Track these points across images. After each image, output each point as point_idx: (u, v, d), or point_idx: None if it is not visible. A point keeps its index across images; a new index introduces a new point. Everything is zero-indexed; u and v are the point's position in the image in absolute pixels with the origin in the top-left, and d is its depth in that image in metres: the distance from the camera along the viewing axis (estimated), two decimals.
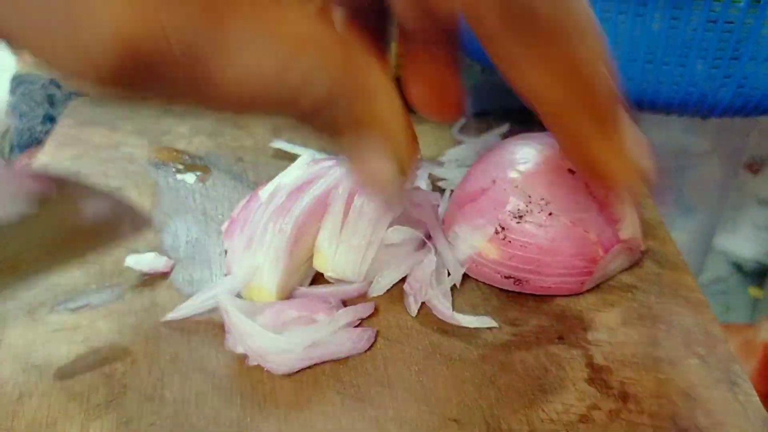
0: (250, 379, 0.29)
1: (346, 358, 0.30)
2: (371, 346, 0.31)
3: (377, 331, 0.32)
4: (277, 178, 0.35)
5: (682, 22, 0.36)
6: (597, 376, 0.30)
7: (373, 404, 0.28)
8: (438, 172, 0.42)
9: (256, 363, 0.29)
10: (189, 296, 0.32)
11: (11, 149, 0.50)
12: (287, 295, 0.32)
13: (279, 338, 0.29)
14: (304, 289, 0.33)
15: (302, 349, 0.29)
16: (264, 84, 0.22)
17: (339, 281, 0.33)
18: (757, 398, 0.30)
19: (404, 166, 0.25)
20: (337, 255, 0.33)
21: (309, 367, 0.30)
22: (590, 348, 0.31)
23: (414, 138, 0.26)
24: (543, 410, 0.29)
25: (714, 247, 0.77)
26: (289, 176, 0.35)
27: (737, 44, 0.36)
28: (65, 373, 0.29)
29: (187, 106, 0.24)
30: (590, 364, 0.31)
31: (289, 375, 0.29)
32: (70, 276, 0.33)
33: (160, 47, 0.20)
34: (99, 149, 0.44)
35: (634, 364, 0.31)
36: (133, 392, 0.28)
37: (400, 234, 0.33)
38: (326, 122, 0.23)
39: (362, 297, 0.33)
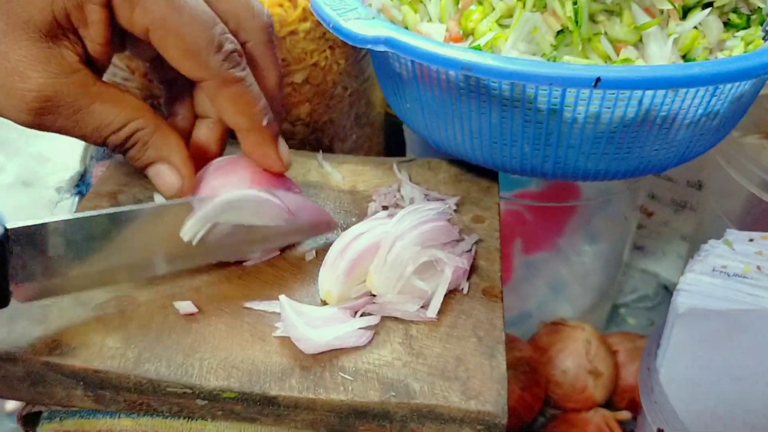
0: (204, 321, 0.50)
1: (350, 348, 0.48)
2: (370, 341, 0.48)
3: (376, 331, 0.50)
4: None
5: (508, 119, 0.55)
6: (407, 341, 0.49)
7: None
8: None
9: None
10: None
11: (90, 158, 0.73)
12: (345, 300, 0.51)
13: (314, 332, 0.48)
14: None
15: (326, 341, 0.48)
16: (105, 131, 0.52)
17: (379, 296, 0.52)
18: (504, 367, 0.48)
19: (184, 182, 0.55)
20: (379, 279, 0.50)
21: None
22: (411, 324, 0.51)
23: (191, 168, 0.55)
24: (365, 357, 0.48)
25: (646, 270, 0.94)
26: (356, 226, 0.54)
27: (547, 136, 0.55)
28: (98, 309, 0.50)
29: (71, 136, 0.52)
30: (406, 334, 0.50)
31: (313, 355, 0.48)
32: None
33: (59, 96, 0.50)
34: None
35: (434, 337, 0.50)
36: (134, 322, 0.50)
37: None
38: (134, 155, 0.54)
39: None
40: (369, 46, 0.54)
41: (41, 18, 0.48)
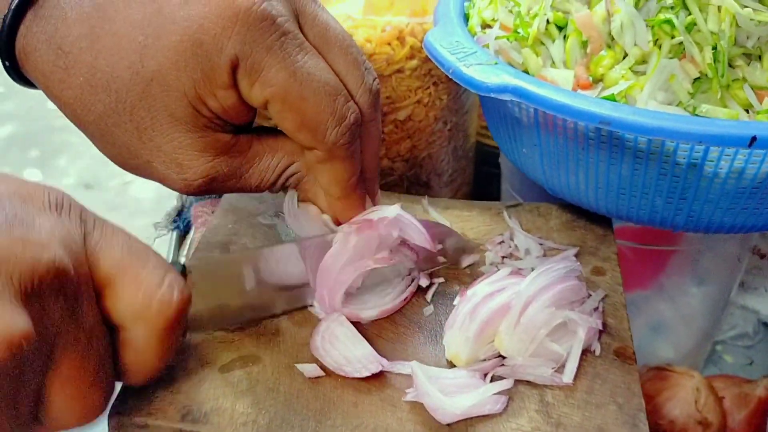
0: (330, 385, 0.49)
1: (485, 416, 0.46)
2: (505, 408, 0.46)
3: (509, 397, 0.48)
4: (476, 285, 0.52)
5: (641, 172, 0.52)
6: (544, 409, 0.47)
7: None
8: None
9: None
10: None
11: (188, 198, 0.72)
12: (473, 362, 0.49)
13: (448, 400, 0.46)
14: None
15: (461, 410, 0.46)
16: (265, 186, 0.53)
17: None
18: None
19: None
20: (511, 342, 0.48)
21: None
22: (545, 390, 0.49)
23: None
24: (503, 426, 0.46)
25: (747, 307, 0.90)
26: (483, 284, 0.52)
27: (683, 191, 0.52)
28: (224, 369, 0.49)
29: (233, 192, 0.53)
30: (541, 401, 0.48)
31: (449, 424, 0.46)
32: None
33: (220, 173, 0.50)
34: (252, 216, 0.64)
35: (571, 404, 0.48)
36: (261, 385, 0.48)
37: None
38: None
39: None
40: (493, 95, 0.52)
41: (183, 112, 0.47)
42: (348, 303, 0.53)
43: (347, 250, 0.51)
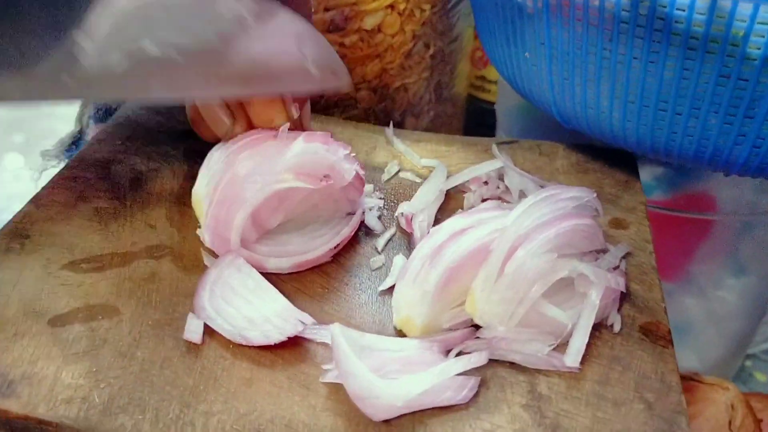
0: (213, 353, 0.32)
1: (443, 408, 0.31)
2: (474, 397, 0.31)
3: (480, 379, 0.32)
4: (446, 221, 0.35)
5: (694, 73, 0.36)
6: (535, 403, 0.31)
7: None
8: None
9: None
10: None
11: (88, 118, 0.56)
12: (433, 332, 0.33)
13: (385, 385, 0.30)
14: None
15: (404, 400, 0.30)
16: None
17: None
18: None
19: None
20: (488, 303, 0.33)
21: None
22: (538, 376, 0.32)
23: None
24: (470, 426, 0.30)
25: None
26: (453, 219, 0.35)
27: (752, 102, 0.36)
28: (57, 322, 0.33)
29: None
30: (532, 391, 0.32)
31: (385, 421, 0.30)
32: (88, 239, 0.38)
33: None
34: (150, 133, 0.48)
35: (575, 398, 0.31)
36: (109, 347, 0.32)
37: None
38: None
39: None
40: None
41: None
42: (257, 241, 0.37)
43: (257, 154, 0.35)
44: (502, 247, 0.33)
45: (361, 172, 0.38)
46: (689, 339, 0.63)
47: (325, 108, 0.54)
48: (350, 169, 0.36)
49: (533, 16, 0.41)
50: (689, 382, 0.59)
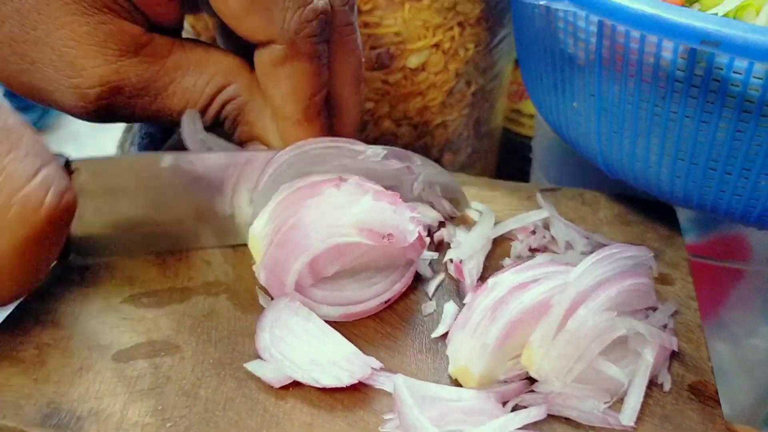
0: (274, 396, 0.33)
1: None
2: None
3: None
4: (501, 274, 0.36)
5: (747, 134, 0.37)
6: None
7: None
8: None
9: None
10: None
11: (131, 145, 0.57)
12: (489, 383, 0.34)
13: None
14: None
15: None
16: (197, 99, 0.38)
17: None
18: None
19: None
20: (546, 358, 0.33)
21: None
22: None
23: None
24: None
25: None
26: (511, 272, 0.36)
27: None
28: (122, 357, 0.33)
29: (144, 121, 0.39)
30: None
31: None
32: (147, 272, 0.38)
33: (127, 83, 0.36)
34: None
35: None
36: (173, 385, 0.32)
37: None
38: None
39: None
40: (544, 2, 0.37)
41: None
42: (312, 285, 0.37)
43: (324, 203, 0.36)
44: (563, 303, 0.33)
45: (424, 234, 0.39)
46: (719, 384, 0.64)
47: (365, 143, 0.55)
48: (413, 231, 0.37)
49: (584, 67, 0.42)
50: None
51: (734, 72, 0.35)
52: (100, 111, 0.36)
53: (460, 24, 0.53)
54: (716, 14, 0.37)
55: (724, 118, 0.37)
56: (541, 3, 0.36)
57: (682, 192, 0.42)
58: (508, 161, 0.71)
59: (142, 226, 0.38)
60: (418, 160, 0.42)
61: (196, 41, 0.40)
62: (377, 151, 0.40)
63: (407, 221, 0.37)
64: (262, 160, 0.38)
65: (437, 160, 0.58)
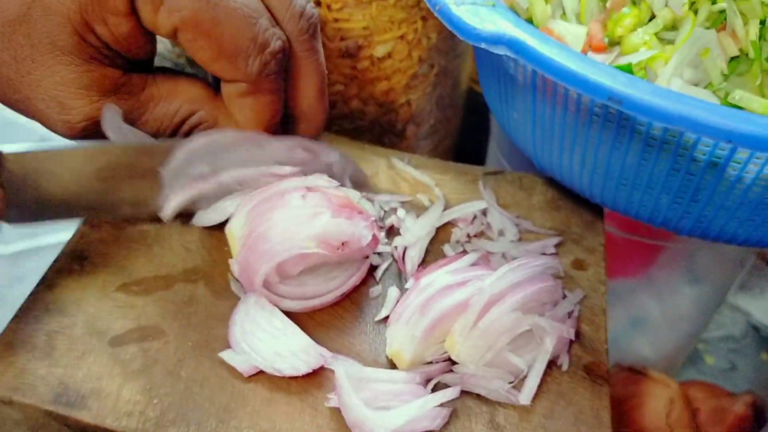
0: (242, 377, 0.40)
1: None
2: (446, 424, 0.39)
3: (453, 410, 0.40)
4: (434, 271, 0.43)
5: (649, 163, 0.43)
6: (492, 430, 0.40)
7: None
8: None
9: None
10: None
11: None
12: (418, 363, 0.41)
13: (375, 416, 0.38)
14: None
15: (392, 429, 0.38)
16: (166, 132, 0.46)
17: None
18: None
19: None
20: (464, 346, 0.41)
21: None
22: (498, 408, 0.41)
23: None
24: None
25: (738, 307, 0.82)
26: (440, 272, 0.43)
27: (696, 192, 0.43)
28: (116, 342, 0.41)
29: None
30: (491, 421, 0.40)
31: None
32: (137, 261, 0.45)
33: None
34: None
35: (525, 429, 0.40)
36: (159, 366, 0.40)
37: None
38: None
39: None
40: (484, 46, 0.42)
41: (66, 40, 0.40)
42: (280, 283, 0.44)
43: (289, 218, 0.42)
44: (479, 304, 0.41)
45: (379, 235, 0.45)
46: (645, 332, 0.72)
47: (335, 118, 0.61)
48: (368, 236, 0.43)
49: (524, 88, 0.47)
50: (637, 375, 0.68)
51: (638, 123, 0.41)
52: (86, 136, 0.43)
53: (423, 18, 0.57)
54: (630, 63, 0.42)
55: (632, 148, 0.43)
56: (482, 46, 0.41)
57: (599, 197, 0.48)
58: (471, 119, 0.77)
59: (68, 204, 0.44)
60: (325, 150, 0.48)
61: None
62: (287, 143, 0.46)
63: (362, 229, 0.43)
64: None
65: (401, 133, 0.64)
